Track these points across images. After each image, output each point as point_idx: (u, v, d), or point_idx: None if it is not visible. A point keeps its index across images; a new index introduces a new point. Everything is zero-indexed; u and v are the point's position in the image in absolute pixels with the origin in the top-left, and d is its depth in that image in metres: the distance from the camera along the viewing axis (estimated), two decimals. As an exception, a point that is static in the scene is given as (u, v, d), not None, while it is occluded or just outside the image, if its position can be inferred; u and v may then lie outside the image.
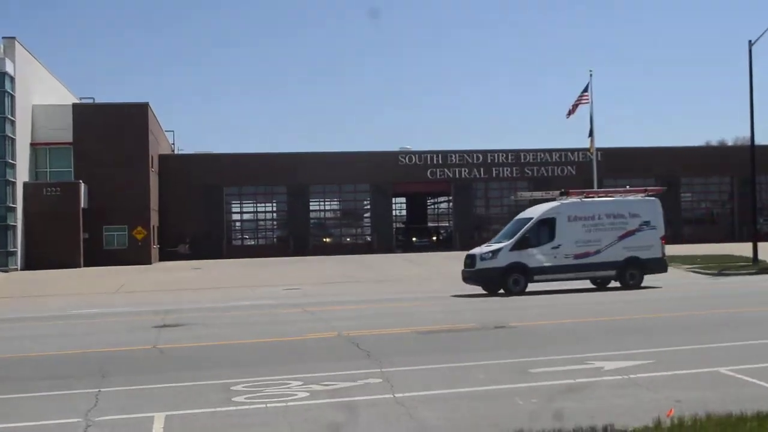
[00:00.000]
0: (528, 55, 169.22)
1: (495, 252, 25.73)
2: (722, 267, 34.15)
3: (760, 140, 64.56)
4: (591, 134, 55.39)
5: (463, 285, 26.53)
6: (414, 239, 65.32)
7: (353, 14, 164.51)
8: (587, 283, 27.40)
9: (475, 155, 61.21)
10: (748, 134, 37.49)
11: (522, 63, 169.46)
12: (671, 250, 47.61)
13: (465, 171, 60.96)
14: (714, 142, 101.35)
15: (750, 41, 35.26)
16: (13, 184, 47.09)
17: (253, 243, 62.02)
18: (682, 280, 28.85)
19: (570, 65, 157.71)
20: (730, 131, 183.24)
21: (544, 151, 61.88)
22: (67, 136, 50.92)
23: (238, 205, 61.92)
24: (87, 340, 16.93)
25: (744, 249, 40.37)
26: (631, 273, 26.13)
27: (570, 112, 55.32)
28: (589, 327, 16.36)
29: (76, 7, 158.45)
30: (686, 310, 18.96)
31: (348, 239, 62.87)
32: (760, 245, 36.02)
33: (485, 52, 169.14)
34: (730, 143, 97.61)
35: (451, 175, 60.87)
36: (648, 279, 26.87)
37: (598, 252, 25.87)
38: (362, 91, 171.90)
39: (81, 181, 49.46)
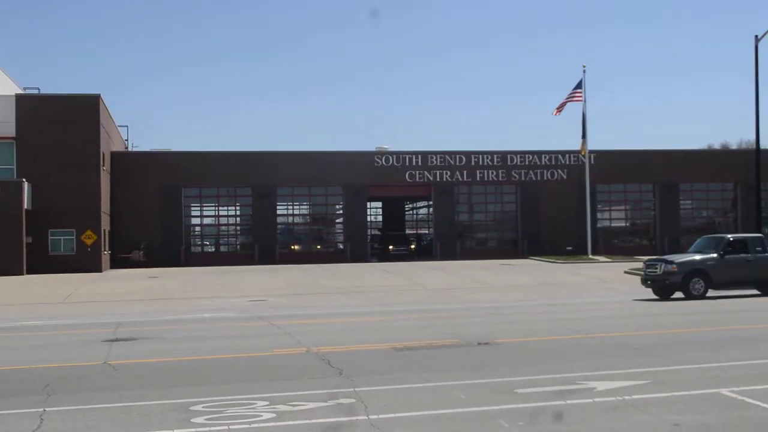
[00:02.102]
0: (516, 52, 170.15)
1: None
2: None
3: (765, 144, 65.42)
4: (584, 135, 56.00)
5: (444, 297, 26.54)
6: (391, 247, 65.29)
7: (332, 16, 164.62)
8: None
9: (457, 156, 61.33)
10: (752, 137, 37.84)
11: (509, 59, 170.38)
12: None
13: (447, 174, 61.06)
14: (716, 145, 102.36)
15: (756, 36, 35.70)
16: (-51, 182, 46.63)
17: (214, 250, 61.73)
18: (679, 294, 29.08)
19: (562, 60, 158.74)
20: (734, 134, 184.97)
21: (532, 153, 62.13)
22: (10, 129, 50.44)
23: (198, 208, 61.61)
24: (30, 355, 16.80)
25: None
26: None
27: (558, 109, 55.83)
28: (578, 344, 16.46)
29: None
30: (684, 327, 19.15)
31: (318, 247, 62.76)
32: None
33: (469, 46, 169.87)
34: (733, 146, 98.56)
35: (431, 178, 60.94)
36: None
37: None
38: (338, 89, 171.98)
39: (24, 179, 49.02)
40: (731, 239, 29.01)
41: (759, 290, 28.71)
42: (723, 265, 27.94)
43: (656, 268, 28.38)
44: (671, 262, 28.13)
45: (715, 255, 28.14)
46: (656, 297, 28.21)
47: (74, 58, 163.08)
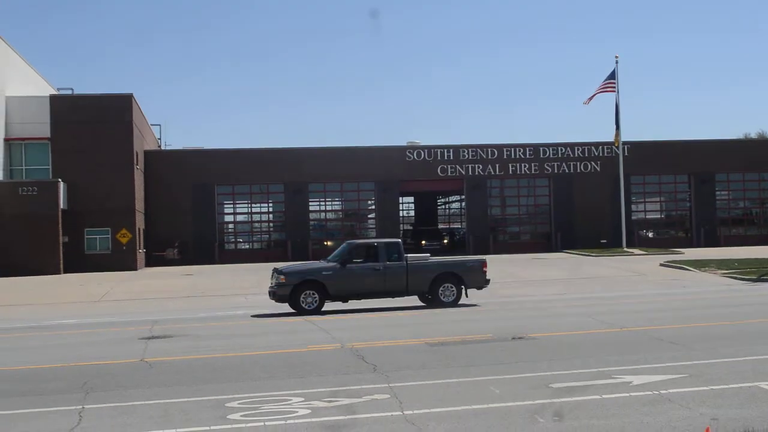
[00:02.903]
0: (547, 40, 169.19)
1: None
2: (762, 272, 34.09)
3: (802, 133, 64.45)
4: (617, 126, 55.66)
5: (477, 291, 26.51)
6: (423, 242, 65.19)
7: (358, 9, 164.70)
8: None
9: (489, 150, 61.13)
10: (789, 126, 37.34)
11: (540, 48, 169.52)
12: (706, 252, 47.80)
13: (479, 167, 60.90)
14: (753, 134, 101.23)
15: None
16: (-14, 183, 47.21)
17: (247, 247, 62.02)
18: (718, 287, 28.85)
19: (594, 50, 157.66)
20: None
21: (565, 145, 61.74)
22: (45, 130, 50.99)
23: (231, 206, 61.90)
24: (68, 353, 17.01)
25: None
26: None
27: (590, 99, 55.56)
28: (614, 338, 16.39)
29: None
30: (721, 320, 18.99)
31: (351, 242, 62.71)
32: (804, 248, 35.94)
33: (499, 38, 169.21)
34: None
35: (463, 172, 60.81)
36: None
37: None
38: (371, 85, 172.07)
39: (60, 179, 49.55)
40: (355, 245, 26.07)
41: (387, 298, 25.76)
42: (343, 275, 24.70)
43: (271, 279, 25.25)
44: (281, 272, 24.69)
45: (334, 264, 25.04)
46: (686, 290, 27.93)
47: (107, 58, 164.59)
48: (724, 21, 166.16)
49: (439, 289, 25.29)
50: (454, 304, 25.14)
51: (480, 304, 25.61)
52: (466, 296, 25.68)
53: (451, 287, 25.38)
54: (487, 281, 26.14)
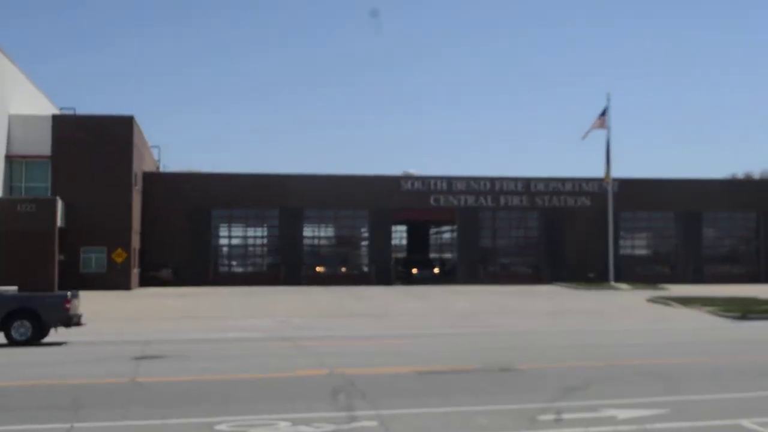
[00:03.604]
0: (539, 77, 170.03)
1: None
2: (746, 310, 34.06)
3: (788, 174, 64.84)
4: (607, 162, 55.89)
5: (468, 321, 26.46)
6: (414, 271, 65.21)
7: (354, 32, 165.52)
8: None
9: (482, 182, 61.32)
10: (776, 168, 37.51)
11: (533, 84, 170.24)
12: (692, 289, 47.77)
13: (471, 199, 61.03)
14: (739, 175, 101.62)
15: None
16: (-14, 199, 47.08)
17: (241, 270, 61.94)
18: (703, 323, 28.82)
19: (585, 86, 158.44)
20: (757, 164, 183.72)
21: (556, 179, 61.98)
22: (46, 149, 51.00)
23: (227, 229, 61.90)
24: (59, 371, 16.87)
25: (770, 291, 40.41)
26: None
27: (586, 134, 55.93)
28: (600, 372, 16.32)
29: (60, 14, 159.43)
30: (705, 356, 18.94)
31: (344, 269, 62.80)
32: (788, 288, 35.95)
33: (494, 73, 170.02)
34: (756, 176, 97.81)
35: (456, 203, 60.94)
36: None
37: None
38: (364, 110, 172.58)
39: (58, 197, 49.47)
40: None
41: None
42: None
43: None
44: None
45: None
46: (671, 326, 27.86)
47: (109, 80, 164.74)
48: (716, 62, 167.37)
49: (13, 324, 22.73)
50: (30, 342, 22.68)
51: (465, 333, 25.50)
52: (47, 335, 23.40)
53: (27, 323, 22.80)
54: (71, 318, 23.44)
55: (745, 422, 10.92)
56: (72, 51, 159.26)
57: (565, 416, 11.37)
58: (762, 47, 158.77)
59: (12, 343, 22.53)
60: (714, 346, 21.54)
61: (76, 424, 10.95)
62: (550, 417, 11.32)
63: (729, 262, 65.71)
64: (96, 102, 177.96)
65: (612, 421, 11.06)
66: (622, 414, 11.46)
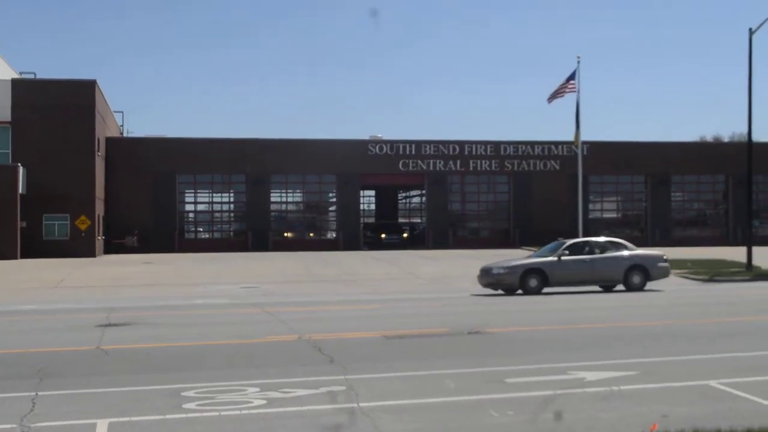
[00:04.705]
0: (510, 44, 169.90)
1: None
2: (714, 272, 34.52)
3: (758, 137, 65.47)
4: (577, 126, 55.86)
5: (437, 286, 26.64)
6: (383, 236, 65.24)
7: (325, 3, 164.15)
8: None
9: (451, 146, 61.31)
10: (745, 130, 37.84)
11: (503, 51, 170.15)
12: (660, 253, 48.17)
13: (440, 163, 61.06)
14: (709, 138, 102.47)
15: (750, 29, 35.65)
16: (-56, 165, 46.42)
17: (208, 236, 61.70)
18: (671, 287, 29.15)
19: (556, 52, 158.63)
20: (727, 127, 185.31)
21: (525, 143, 62.13)
22: (5, 114, 50.28)
23: (193, 195, 61.53)
24: (23, 339, 16.78)
25: (738, 253, 40.91)
26: None
27: (552, 97, 55.72)
28: (570, 334, 16.48)
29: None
30: (674, 319, 19.18)
31: (311, 234, 62.76)
32: (755, 250, 36.37)
33: (464, 41, 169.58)
34: (725, 139, 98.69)
35: (424, 167, 60.92)
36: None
37: None
38: (333, 80, 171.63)
39: (19, 164, 48.87)
40: None
41: None
42: None
43: None
44: None
45: None
46: (649, 288, 28.16)
47: (70, 42, 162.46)
48: (686, 24, 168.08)
49: None
50: None
51: (435, 298, 25.62)
52: None
53: None
54: None
55: (714, 383, 11.07)
56: (33, 13, 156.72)
57: (534, 378, 11.47)
58: (734, 10, 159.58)
59: None
60: (682, 309, 21.80)
61: (40, 393, 10.89)
62: (519, 380, 11.41)
63: (698, 225, 66.46)
64: (58, 67, 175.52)
65: (581, 383, 11.17)
66: (591, 375, 11.58)
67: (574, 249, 28.35)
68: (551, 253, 28.24)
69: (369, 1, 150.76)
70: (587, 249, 28.73)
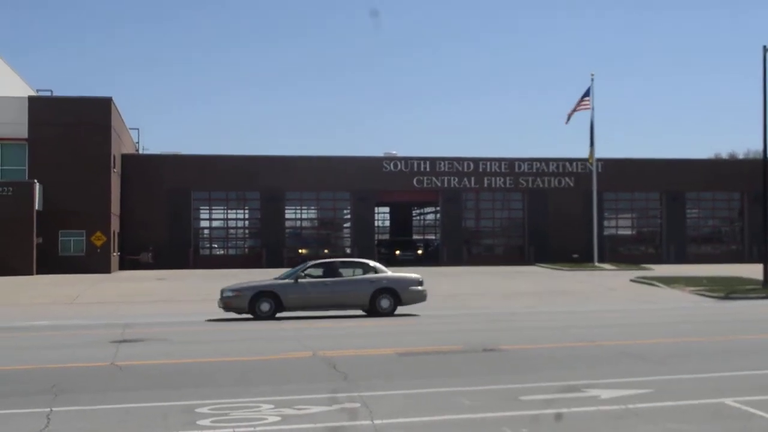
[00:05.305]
0: (524, 60, 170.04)
1: None
2: (730, 290, 34.35)
3: (772, 154, 65.22)
4: (591, 143, 55.92)
5: (450, 303, 26.56)
6: (398, 252, 65.20)
7: (340, 17, 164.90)
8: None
9: (465, 163, 61.32)
10: (760, 147, 37.73)
11: (517, 67, 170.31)
12: (675, 269, 48.03)
13: (455, 180, 61.05)
14: (723, 155, 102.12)
15: (765, 47, 35.61)
16: (-39, 182, 46.71)
17: (222, 253, 61.77)
18: (686, 303, 29.03)
19: (570, 69, 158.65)
20: (741, 144, 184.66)
21: (540, 160, 62.05)
22: (22, 131, 50.60)
23: (207, 212, 61.68)
24: (38, 355, 16.83)
25: (754, 271, 40.68)
26: None
27: (569, 117, 55.82)
28: (584, 352, 16.42)
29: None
30: (688, 336, 19.08)
31: (326, 251, 62.75)
32: (771, 267, 36.14)
33: (478, 56, 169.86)
34: (740, 156, 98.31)
35: (439, 184, 60.95)
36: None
37: None
38: (347, 94, 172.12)
39: (36, 180, 49.17)
40: None
41: None
42: None
43: None
44: None
45: None
46: (655, 306, 28.03)
47: (87, 59, 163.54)
48: (700, 42, 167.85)
49: None
50: None
51: (448, 315, 25.57)
52: None
53: None
54: None
55: (729, 401, 11.02)
56: (50, 32, 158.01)
57: (548, 396, 11.44)
58: (748, 28, 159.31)
59: None
60: (697, 326, 21.70)
61: (55, 408, 10.93)
62: (533, 397, 11.38)
63: (713, 242, 66.13)
64: (74, 85, 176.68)
65: (595, 401, 11.14)
66: (605, 394, 11.53)
67: (316, 271, 26.59)
68: (291, 275, 26.50)
69: (384, 17, 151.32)
70: (329, 271, 26.59)
